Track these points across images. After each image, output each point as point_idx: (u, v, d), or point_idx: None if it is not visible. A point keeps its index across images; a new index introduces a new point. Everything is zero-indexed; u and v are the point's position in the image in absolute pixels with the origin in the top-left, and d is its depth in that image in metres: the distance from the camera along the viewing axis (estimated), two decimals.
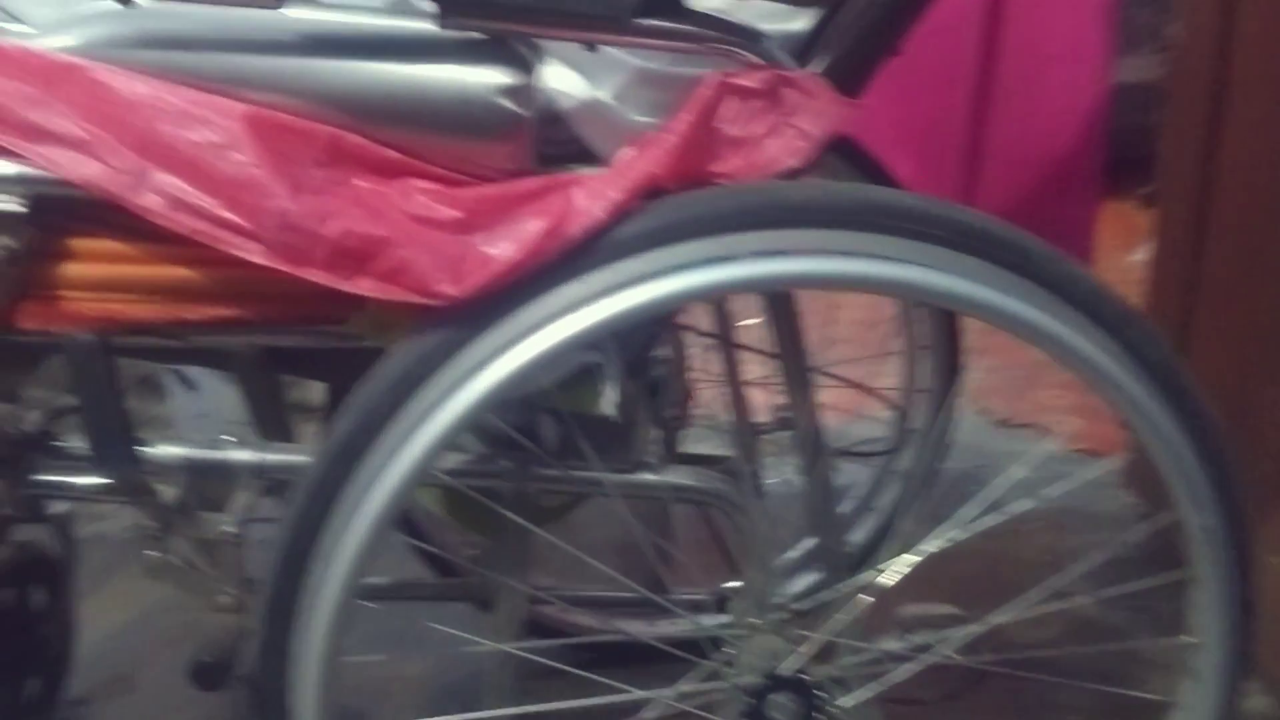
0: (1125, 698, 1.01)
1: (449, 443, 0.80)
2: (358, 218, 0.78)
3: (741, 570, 0.96)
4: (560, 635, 1.41)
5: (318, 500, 0.81)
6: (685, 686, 0.93)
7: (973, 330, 1.38)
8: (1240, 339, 1.58)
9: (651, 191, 0.80)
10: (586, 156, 0.88)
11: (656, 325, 0.99)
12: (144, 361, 1.06)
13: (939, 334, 1.39)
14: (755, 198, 0.81)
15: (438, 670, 1.44)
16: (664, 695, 0.93)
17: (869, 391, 1.25)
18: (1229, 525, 0.87)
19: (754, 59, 0.81)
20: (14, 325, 0.82)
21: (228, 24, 0.80)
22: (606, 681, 0.90)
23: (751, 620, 0.92)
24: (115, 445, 0.85)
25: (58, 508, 1.14)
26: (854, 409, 1.46)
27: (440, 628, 0.93)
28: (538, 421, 0.90)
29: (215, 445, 0.90)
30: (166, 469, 0.88)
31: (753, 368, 1.23)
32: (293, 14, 0.78)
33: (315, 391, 1.04)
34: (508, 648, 0.94)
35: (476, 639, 0.94)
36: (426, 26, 0.79)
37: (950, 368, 1.40)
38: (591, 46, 0.82)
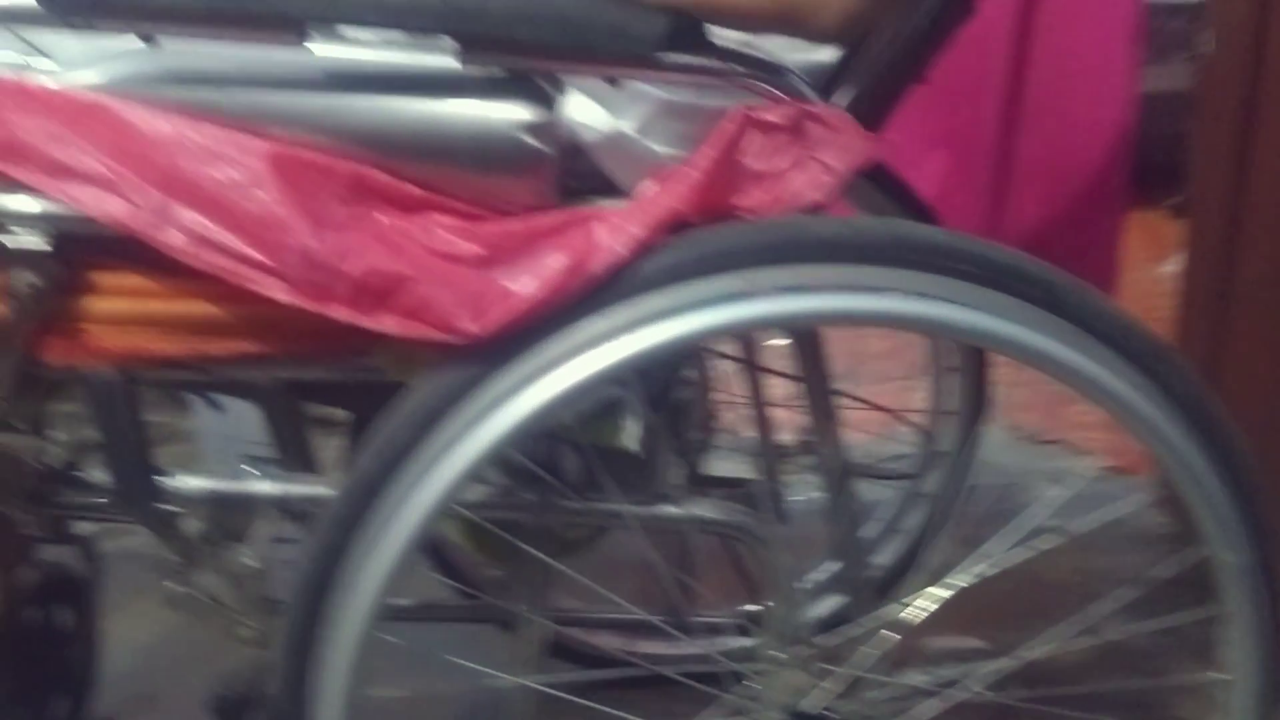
0: None
1: (470, 479, 0.80)
2: (380, 254, 0.78)
3: (763, 599, 0.96)
4: (582, 658, 1.40)
5: (339, 534, 0.81)
6: None
7: None
8: (1274, 350, 1.56)
9: (675, 225, 0.79)
10: (609, 188, 0.88)
11: (681, 356, 0.98)
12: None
13: (967, 356, 1.38)
14: (779, 232, 0.80)
15: (459, 696, 1.44)
16: None
17: (896, 416, 1.23)
18: (1261, 562, 0.85)
19: (778, 93, 0.80)
20: (38, 359, 0.82)
21: (251, 60, 0.80)
22: (626, 717, 0.89)
23: (775, 654, 0.92)
24: (137, 480, 0.85)
25: (83, 528, 1.14)
26: (881, 428, 1.45)
27: (462, 662, 0.93)
28: (559, 454, 0.90)
29: (237, 476, 0.90)
30: (189, 501, 0.88)
31: (778, 389, 1.22)
32: (316, 50, 0.78)
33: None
34: (529, 682, 0.93)
35: (497, 673, 0.94)
36: (449, 62, 0.78)
37: (979, 390, 1.38)
38: (615, 81, 0.81)
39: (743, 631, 1.31)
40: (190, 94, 0.80)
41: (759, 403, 1.23)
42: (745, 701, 0.92)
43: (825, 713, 0.91)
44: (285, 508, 0.89)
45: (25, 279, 0.79)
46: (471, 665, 0.92)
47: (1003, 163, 2.08)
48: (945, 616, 0.94)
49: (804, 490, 1.14)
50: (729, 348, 1.24)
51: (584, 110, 0.88)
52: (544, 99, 0.80)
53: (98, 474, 0.88)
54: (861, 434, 1.35)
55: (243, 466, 0.92)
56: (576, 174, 0.87)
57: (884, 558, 1.45)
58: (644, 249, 0.78)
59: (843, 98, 0.87)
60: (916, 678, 0.92)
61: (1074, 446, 2.08)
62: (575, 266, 0.78)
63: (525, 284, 0.78)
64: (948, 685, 0.91)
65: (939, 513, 1.41)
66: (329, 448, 1.08)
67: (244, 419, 1.35)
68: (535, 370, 0.78)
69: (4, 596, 1.11)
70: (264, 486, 0.90)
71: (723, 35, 0.82)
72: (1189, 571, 0.91)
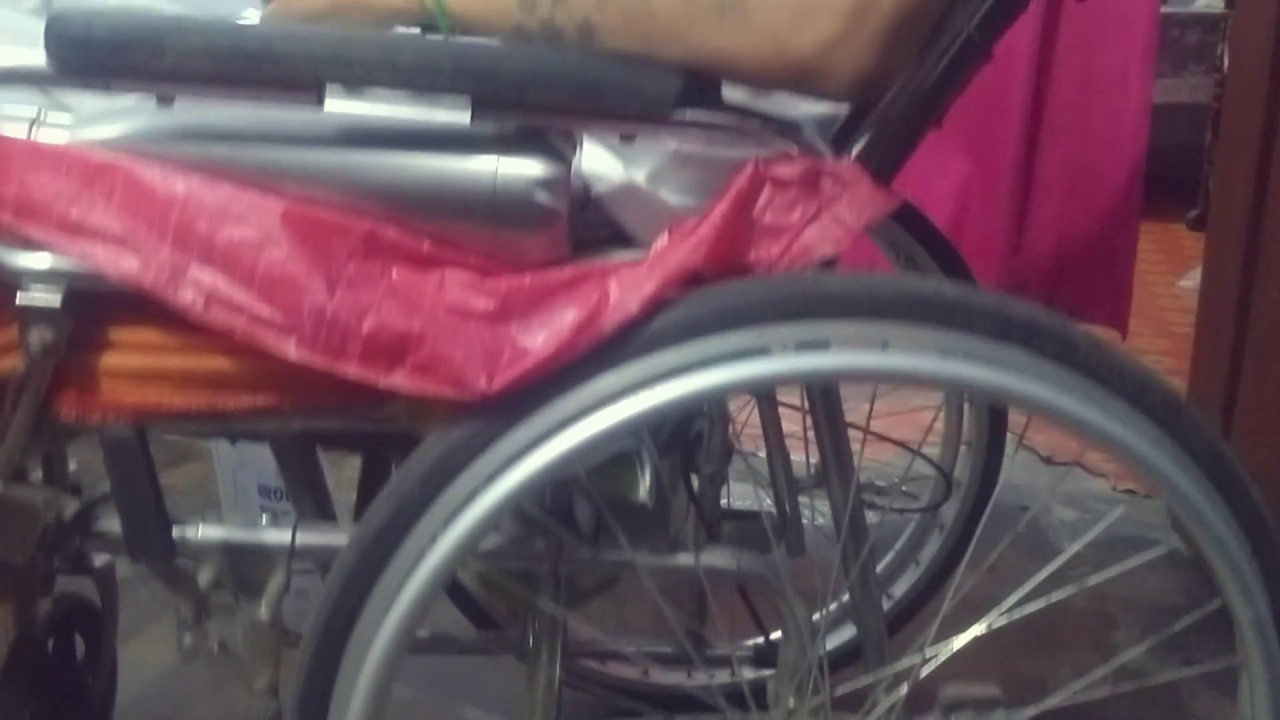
0: None
1: (482, 535, 0.79)
2: (392, 311, 0.78)
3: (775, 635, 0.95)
4: (599, 685, 1.41)
5: (351, 589, 0.81)
6: None
7: None
8: None
9: (688, 280, 0.79)
10: (621, 238, 0.87)
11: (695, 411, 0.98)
12: None
13: None
14: (792, 288, 0.80)
15: None
16: None
17: (913, 451, 1.23)
18: (1278, 615, 0.85)
19: (792, 149, 0.80)
20: (52, 414, 0.82)
21: (265, 117, 0.80)
22: None
23: (789, 707, 0.91)
24: (150, 534, 0.86)
25: (100, 556, 1.15)
26: (900, 447, 1.45)
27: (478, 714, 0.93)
28: (573, 504, 0.90)
29: (251, 526, 0.90)
30: (202, 551, 0.88)
31: (793, 419, 1.22)
32: (330, 107, 0.78)
33: None
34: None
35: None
36: (462, 117, 0.78)
37: (996, 423, 1.38)
38: (629, 137, 0.81)
39: (758, 662, 1.32)
40: (204, 150, 0.80)
41: (774, 435, 1.23)
42: None
43: None
44: (300, 557, 0.89)
45: (39, 335, 0.79)
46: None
47: (1023, 175, 2.08)
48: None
49: (822, 515, 1.14)
50: None
51: (596, 159, 0.88)
52: (558, 155, 0.80)
53: (111, 524, 0.89)
54: (878, 455, 1.35)
55: (259, 510, 0.93)
56: (588, 224, 0.87)
57: (900, 588, 1.45)
58: (657, 304, 0.78)
59: (856, 148, 0.86)
60: None
61: (1089, 469, 2.07)
62: (588, 323, 0.78)
63: (537, 340, 0.78)
64: None
65: (957, 545, 1.41)
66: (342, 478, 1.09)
67: (259, 453, 1.35)
68: (547, 429, 0.78)
69: (22, 625, 1.11)
70: (278, 536, 0.90)
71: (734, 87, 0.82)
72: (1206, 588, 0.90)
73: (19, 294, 0.79)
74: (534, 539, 0.91)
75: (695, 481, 1.06)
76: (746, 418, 1.35)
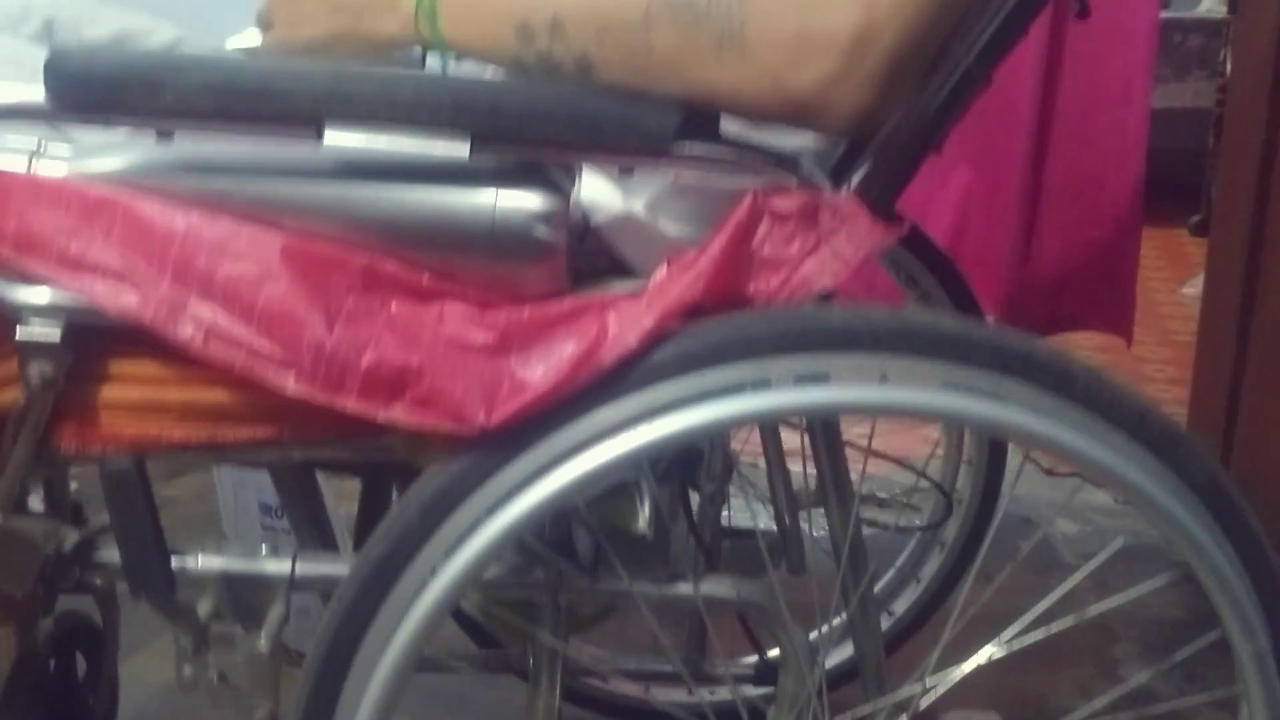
0: None
1: (482, 568, 0.79)
2: (391, 345, 0.78)
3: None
4: (600, 704, 1.41)
5: (351, 621, 0.81)
6: None
7: None
8: None
9: (686, 313, 0.79)
10: (621, 268, 0.87)
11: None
12: None
13: None
14: (791, 322, 0.80)
15: None
16: None
17: (917, 472, 1.23)
18: (1278, 649, 0.85)
19: (791, 183, 0.80)
20: (52, 446, 0.82)
21: (265, 151, 0.80)
22: None
23: None
24: (149, 566, 0.86)
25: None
26: (901, 459, 1.44)
27: None
28: (572, 534, 0.90)
29: (251, 556, 0.90)
30: (202, 582, 0.88)
31: (795, 436, 1.22)
32: (330, 141, 0.78)
33: None
34: None
35: None
36: (461, 152, 0.78)
37: (996, 440, 1.38)
38: (628, 170, 0.81)
39: (758, 680, 1.32)
40: (204, 183, 0.80)
41: (775, 455, 1.23)
42: None
43: None
44: (300, 587, 0.89)
45: (38, 368, 0.79)
46: None
47: (1026, 185, 2.09)
48: (960, 658, 0.93)
49: (821, 528, 1.13)
50: None
51: (595, 189, 0.88)
52: (557, 189, 0.80)
53: (111, 554, 0.89)
54: (880, 469, 1.35)
55: (260, 528, 0.93)
56: (587, 254, 0.87)
57: (900, 605, 1.45)
58: (656, 337, 0.78)
59: (855, 179, 0.86)
60: None
61: (1088, 479, 2.06)
62: (586, 356, 0.78)
63: (536, 374, 0.78)
64: None
65: (958, 562, 1.41)
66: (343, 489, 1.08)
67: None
68: (546, 462, 0.78)
69: (23, 644, 1.12)
70: (278, 566, 0.90)
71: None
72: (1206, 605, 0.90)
73: (19, 328, 0.79)
74: (533, 569, 0.91)
75: (695, 500, 1.06)
76: (748, 435, 1.35)
